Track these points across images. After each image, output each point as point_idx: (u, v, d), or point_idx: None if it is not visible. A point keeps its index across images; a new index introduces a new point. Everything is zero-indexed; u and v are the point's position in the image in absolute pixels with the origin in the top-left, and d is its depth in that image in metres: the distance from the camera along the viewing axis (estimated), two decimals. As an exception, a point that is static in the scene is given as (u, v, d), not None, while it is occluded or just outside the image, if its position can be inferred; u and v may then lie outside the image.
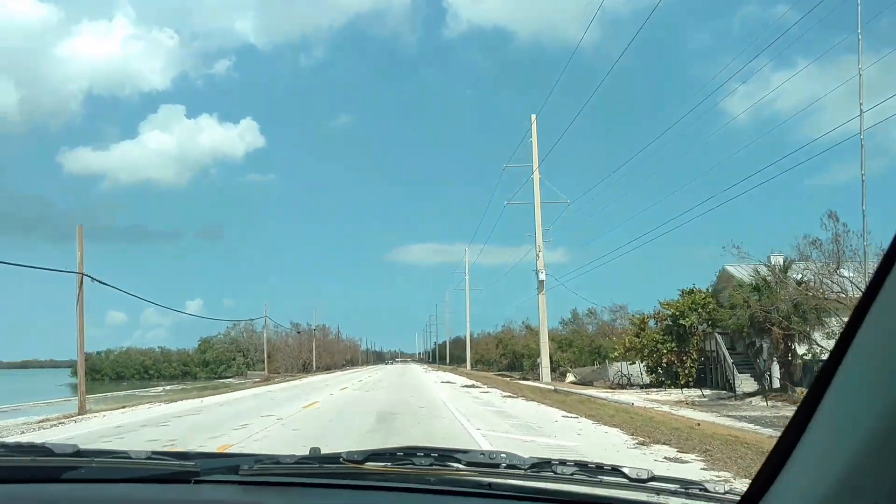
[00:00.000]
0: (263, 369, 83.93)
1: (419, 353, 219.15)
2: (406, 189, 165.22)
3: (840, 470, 0.91)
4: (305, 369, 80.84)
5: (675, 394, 28.21)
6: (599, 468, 1.48)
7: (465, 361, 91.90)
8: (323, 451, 1.61)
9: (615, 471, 1.46)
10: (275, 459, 1.51)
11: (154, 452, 1.54)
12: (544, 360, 41.72)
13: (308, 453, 1.62)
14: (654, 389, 31.11)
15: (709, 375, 31.57)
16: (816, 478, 0.96)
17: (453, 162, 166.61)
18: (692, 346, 31.91)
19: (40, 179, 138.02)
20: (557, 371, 44.85)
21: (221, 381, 74.08)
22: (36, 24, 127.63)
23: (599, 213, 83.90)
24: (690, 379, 31.38)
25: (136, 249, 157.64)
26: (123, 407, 21.27)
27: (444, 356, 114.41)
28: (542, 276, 41.89)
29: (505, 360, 69.84)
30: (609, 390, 30.81)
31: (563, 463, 1.48)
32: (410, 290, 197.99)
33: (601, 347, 49.01)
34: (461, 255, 76.42)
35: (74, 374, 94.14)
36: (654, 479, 1.44)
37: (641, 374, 34.50)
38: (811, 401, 0.97)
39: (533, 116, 44.09)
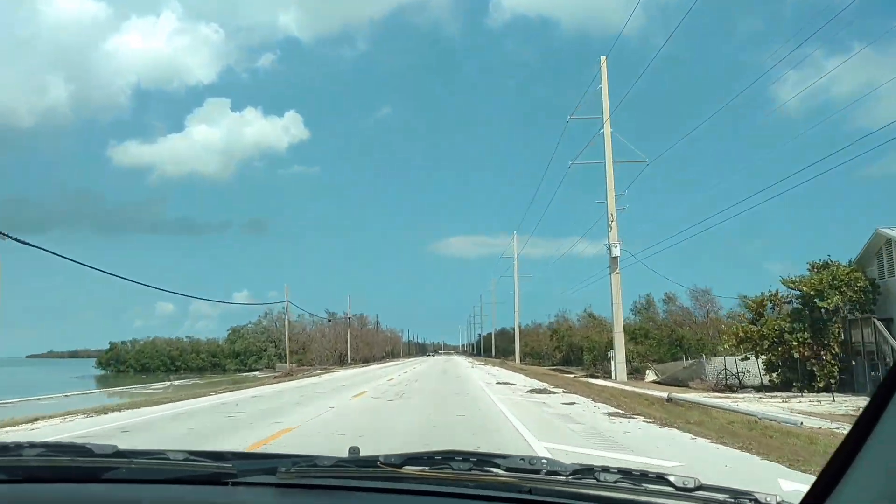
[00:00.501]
0: (296, 361, 77.69)
1: (463, 346, 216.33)
2: (450, 180, 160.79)
3: None
4: (341, 361, 74.29)
5: (824, 401, 20.17)
6: (644, 476, 1.41)
7: (511, 354, 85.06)
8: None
9: (661, 479, 1.40)
10: (312, 462, 1.46)
11: (191, 453, 1.51)
12: (619, 355, 33.89)
13: (347, 454, 1.64)
14: (783, 394, 23.14)
15: (856, 376, 23.41)
16: (880, 489, 0.91)
17: (499, 153, 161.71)
18: (833, 336, 23.79)
19: (90, 173, 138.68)
20: (630, 366, 36.79)
21: (251, 373, 68.23)
22: (86, 20, 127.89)
23: (664, 190, 75.83)
24: (832, 380, 23.25)
25: (184, 241, 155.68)
26: (36, 420, 14.47)
27: (490, 348, 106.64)
28: (616, 252, 33.99)
29: (559, 353, 62.11)
30: (719, 395, 22.99)
31: (606, 469, 1.42)
32: (454, 281, 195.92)
33: (683, 339, 40.93)
34: (507, 246, 68.76)
35: (100, 364, 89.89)
36: (701, 487, 1.39)
37: (759, 372, 26.33)
38: (876, 405, 0.92)
39: (602, 59, 36.63)
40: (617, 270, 34.19)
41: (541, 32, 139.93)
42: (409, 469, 1.39)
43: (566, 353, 58.99)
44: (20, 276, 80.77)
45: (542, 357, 71.16)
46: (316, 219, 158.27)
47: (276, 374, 49.63)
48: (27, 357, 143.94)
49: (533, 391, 22.03)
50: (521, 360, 67.19)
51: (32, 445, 1.54)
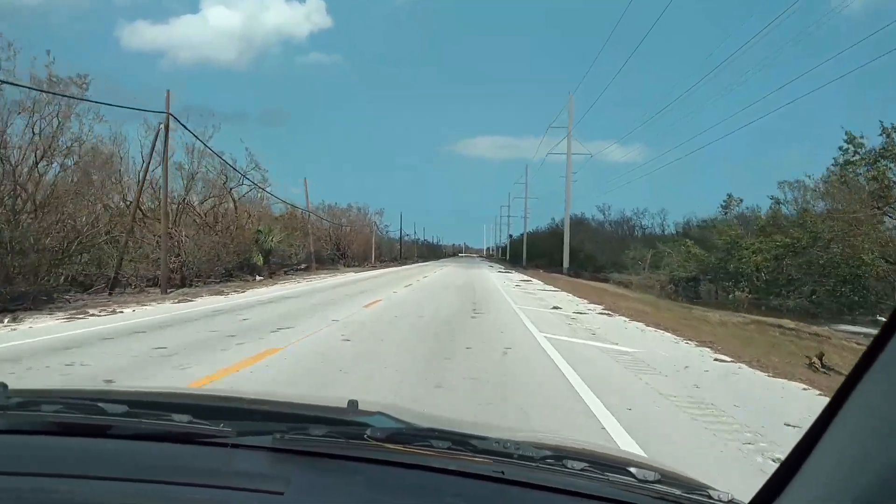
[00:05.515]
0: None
1: (488, 249, 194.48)
2: (477, 75, 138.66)
3: (859, 483, 0.84)
4: (179, 279, 24.14)
5: None
6: (609, 466, 1.48)
7: (560, 263, 55.54)
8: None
9: (623, 470, 1.46)
10: (305, 429, 1.50)
11: (195, 415, 1.55)
12: None
13: (346, 406, 1.73)
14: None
15: None
16: (836, 486, 0.90)
17: (530, 50, 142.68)
18: None
19: (99, 55, 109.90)
20: None
21: None
22: None
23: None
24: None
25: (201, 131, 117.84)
26: None
27: (540, 253, 69.50)
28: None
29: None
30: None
31: (574, 457, 1.49)
32: (478, 183, 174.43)
33: None
34: (535, 148, 46.25)
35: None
36: (661, 481, 1.43)
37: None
38: (836, 401, 0.91)
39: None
40: None
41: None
42: (391, 445, 1.44)
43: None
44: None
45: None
46: (336, 111, 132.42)
47: None
48: None
49: None
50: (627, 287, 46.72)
51: (50, 402, 1.62)
